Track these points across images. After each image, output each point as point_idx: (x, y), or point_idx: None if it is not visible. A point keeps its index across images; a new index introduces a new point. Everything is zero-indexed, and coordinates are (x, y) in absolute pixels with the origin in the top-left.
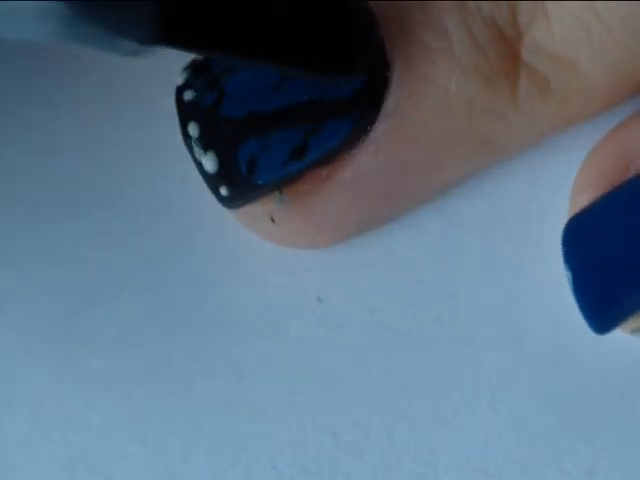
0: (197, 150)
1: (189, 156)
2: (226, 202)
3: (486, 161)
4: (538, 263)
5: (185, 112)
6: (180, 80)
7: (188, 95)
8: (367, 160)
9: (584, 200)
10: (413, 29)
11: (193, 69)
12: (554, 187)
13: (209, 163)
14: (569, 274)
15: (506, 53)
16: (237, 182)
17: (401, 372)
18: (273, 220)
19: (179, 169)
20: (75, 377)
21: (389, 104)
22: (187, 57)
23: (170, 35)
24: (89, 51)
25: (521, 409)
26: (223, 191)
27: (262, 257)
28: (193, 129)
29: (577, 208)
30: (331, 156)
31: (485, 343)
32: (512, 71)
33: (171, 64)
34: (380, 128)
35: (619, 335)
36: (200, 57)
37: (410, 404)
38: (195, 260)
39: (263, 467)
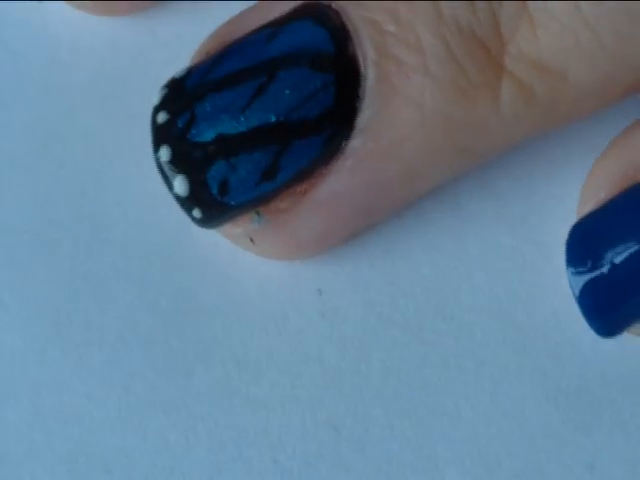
0: (168, 173)
1: None
2: (200, 223)
3: (468, 167)
4: (539, 256)
5: (157, 135)
6: (157, 99)
7: (161, 117)
8: (343, 176)
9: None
10: (386, 42)
11: (170, 88)
12: (554, 179)
13: (180, 186)
14: (571, 278)
15: (487, 64)
16: (209, 204)
17: (402, 365)
18: (252, 240)
19: None
20: (75, 370)
21: (362, 119)
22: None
23: None
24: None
25: (522, 403)
26: (196, 213)
27: None
28: (164, 153)
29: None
30: (306, 174)
31: (486, 336)
32: (494, 82)
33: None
34: (354, 144)
35: None
36: (178, 74)
37: (411, 398)
38: (195, 252)
39: (263, 460)
